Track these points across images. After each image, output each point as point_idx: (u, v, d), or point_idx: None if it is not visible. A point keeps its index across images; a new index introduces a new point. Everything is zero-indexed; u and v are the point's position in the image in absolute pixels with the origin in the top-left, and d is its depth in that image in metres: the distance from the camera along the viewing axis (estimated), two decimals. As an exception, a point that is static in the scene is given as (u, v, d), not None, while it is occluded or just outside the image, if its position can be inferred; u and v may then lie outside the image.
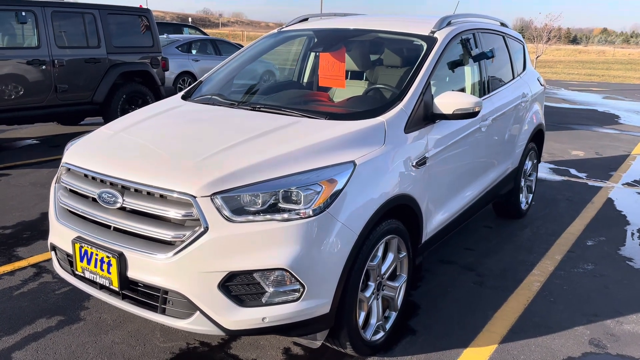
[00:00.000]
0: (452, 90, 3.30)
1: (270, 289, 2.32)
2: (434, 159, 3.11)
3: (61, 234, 2.66)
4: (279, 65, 5.49)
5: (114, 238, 2.44)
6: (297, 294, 2.35)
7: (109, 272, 2.42)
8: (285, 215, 2.31)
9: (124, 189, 2.46)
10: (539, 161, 5.37)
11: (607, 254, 4.32)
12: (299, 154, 2.53)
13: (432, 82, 3.39)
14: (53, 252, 2.81)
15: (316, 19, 4.36)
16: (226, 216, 2.27)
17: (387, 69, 3.71)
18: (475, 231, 4.72)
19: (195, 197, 2.27)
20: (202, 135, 2.82)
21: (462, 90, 3.85)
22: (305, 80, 4.43)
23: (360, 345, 2.71)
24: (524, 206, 5.08)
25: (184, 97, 3.59)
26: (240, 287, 2.31)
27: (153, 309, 2.42)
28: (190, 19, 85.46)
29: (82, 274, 2.56)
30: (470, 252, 4.26)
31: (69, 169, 2.74)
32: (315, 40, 4.01)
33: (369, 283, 2.76)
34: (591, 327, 3.19)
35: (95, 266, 2.47)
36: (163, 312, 2.40)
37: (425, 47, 3.42)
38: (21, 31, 7.17)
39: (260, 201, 2.31)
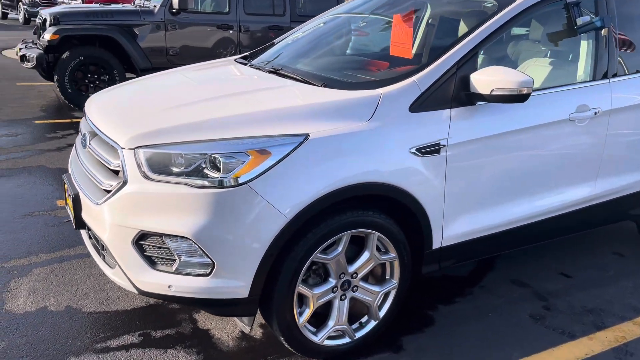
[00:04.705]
0: (509, 67, 2.56)
1: (182, 258, 2.17)
2: (463, 148, 2.49)
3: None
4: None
5: (80, 178, 2.55)
6: (209, 269, 2.15)
7: (70, 210, 2.55)
8: (204, 182, 2.11)
9: (94, 134, 2.54)
10: None
11: None
12: (253, 117, 2.28)
13: (511, 56, 2.72)
14: None
15: None
16: (143, 172, 2.16)
17: (450, 35, 3.07)
18: (596, 255, 3.69)
19: (123, 148, 2.23)
20: (186, 93, 2.74)
21: (570, 71, 2.99)
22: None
23: (300, 345, 2.37)
24: (686, 237, 3.78)
25: (243, 57, 3.53)
26: (152, 248, 2.20)
27: (99, 254, 2.48)
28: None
29: (64, 208, 2.76)
30: (565, 279, 3.34)
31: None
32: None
33: (330, 279, 2.38)
34: (653, 415, 2.24)
35: (67, 203, 2.63)
36: (104, 258, 2.44)
37: (494, 10, 2.72)
38: (217, -2, 7.94)
39: (183, 162, 2.15)
